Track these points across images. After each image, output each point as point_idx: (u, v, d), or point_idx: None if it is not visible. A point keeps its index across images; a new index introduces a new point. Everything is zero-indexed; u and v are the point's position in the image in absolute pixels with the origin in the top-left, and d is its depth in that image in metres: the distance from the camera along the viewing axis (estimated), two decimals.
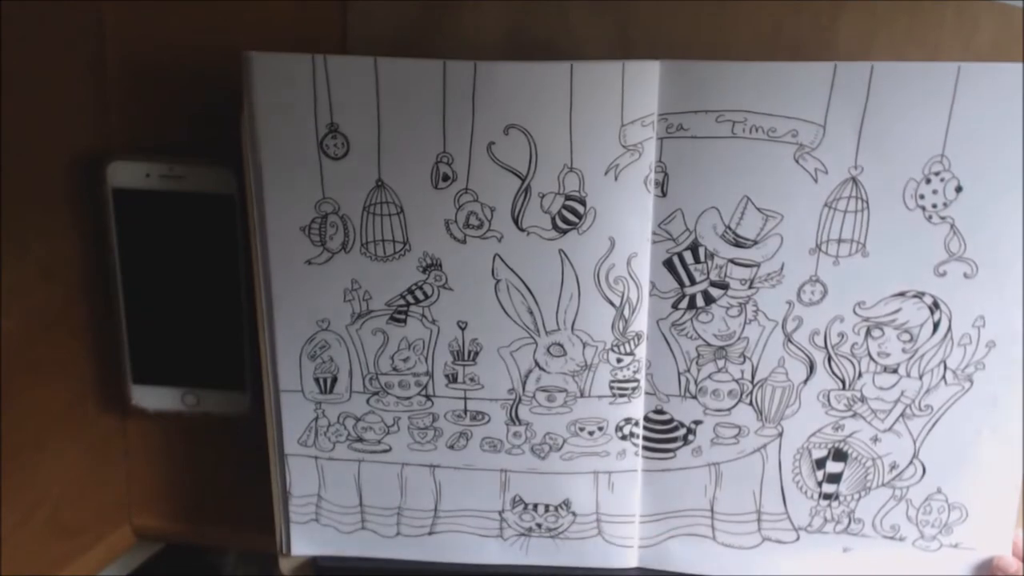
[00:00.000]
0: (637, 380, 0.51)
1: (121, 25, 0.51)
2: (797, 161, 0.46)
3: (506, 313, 0.50)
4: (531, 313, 0.50)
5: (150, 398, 0.57)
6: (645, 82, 0.46)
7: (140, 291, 0.55)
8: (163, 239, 0.54)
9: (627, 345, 0.50)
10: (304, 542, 0.55)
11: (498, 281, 0.49)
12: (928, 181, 0.47)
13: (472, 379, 0.51)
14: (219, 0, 0.50)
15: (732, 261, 0.48)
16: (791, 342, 0.50)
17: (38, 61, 0.50)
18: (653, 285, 0.49)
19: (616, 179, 0.47)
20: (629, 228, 0.48)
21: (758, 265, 0.48)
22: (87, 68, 0.51)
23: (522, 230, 0.48)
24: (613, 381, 0.51)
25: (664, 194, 0.48)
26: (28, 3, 0.49)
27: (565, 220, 0.48)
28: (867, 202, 0.47)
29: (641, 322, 0.50)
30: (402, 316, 0.50)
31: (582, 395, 0.51)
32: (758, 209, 0.47)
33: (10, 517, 0.54)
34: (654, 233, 0.48)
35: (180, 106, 0.52)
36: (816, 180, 0.47)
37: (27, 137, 0.51)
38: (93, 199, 0.53)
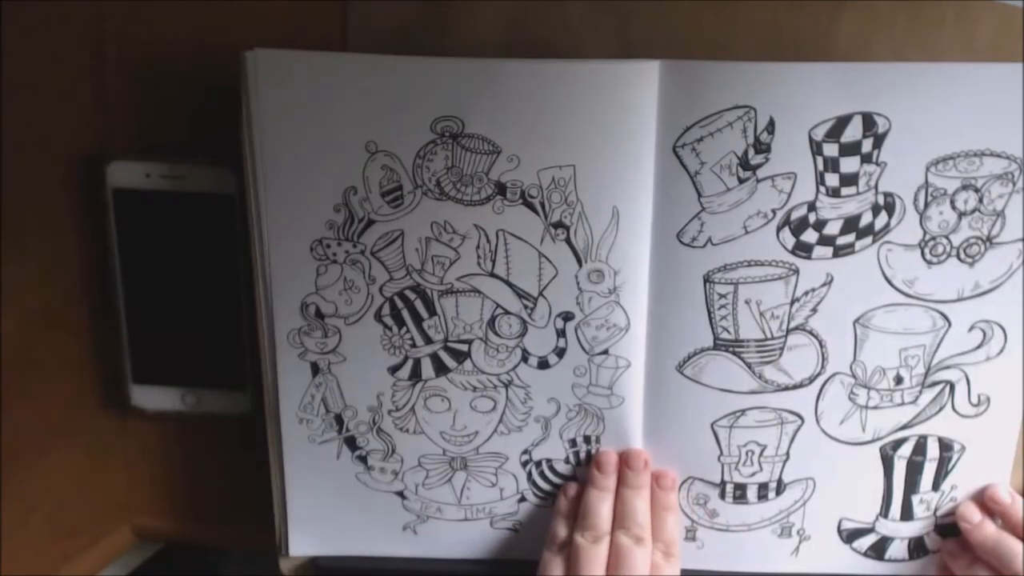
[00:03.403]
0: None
1: (121, 25, 0.51)
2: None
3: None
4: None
5: (150, 398, 0.57)
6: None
7: (140, 291, 0.55)
8: (163, 239, 0.54)
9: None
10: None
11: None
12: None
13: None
14: (219, 0, 0.50)
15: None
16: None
17: (38, 61, 0.50)
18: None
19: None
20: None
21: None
22: (87, 68, 0.51)
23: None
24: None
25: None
26: (28, 3, 0.49)
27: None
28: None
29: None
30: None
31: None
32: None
33: (10, 517, 0.54)
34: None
35: (180, 106, 0.52)
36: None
37: (27, 137, 0.51)
38: (93, 199, 0.53)
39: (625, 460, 0.52)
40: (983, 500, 0.52)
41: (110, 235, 0.54)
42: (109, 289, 0.55)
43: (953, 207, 0.47)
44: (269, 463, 0.54)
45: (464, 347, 0.51)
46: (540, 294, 0.50)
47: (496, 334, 0.51)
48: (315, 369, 0.51)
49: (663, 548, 0.50)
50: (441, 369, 0.52)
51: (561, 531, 0.52)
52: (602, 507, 0.51)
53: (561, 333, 0.50)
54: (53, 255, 0.54)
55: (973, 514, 0.52)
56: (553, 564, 0.50)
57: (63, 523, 0.57)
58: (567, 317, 0.50)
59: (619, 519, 0.50)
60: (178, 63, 0.51)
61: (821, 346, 0.50)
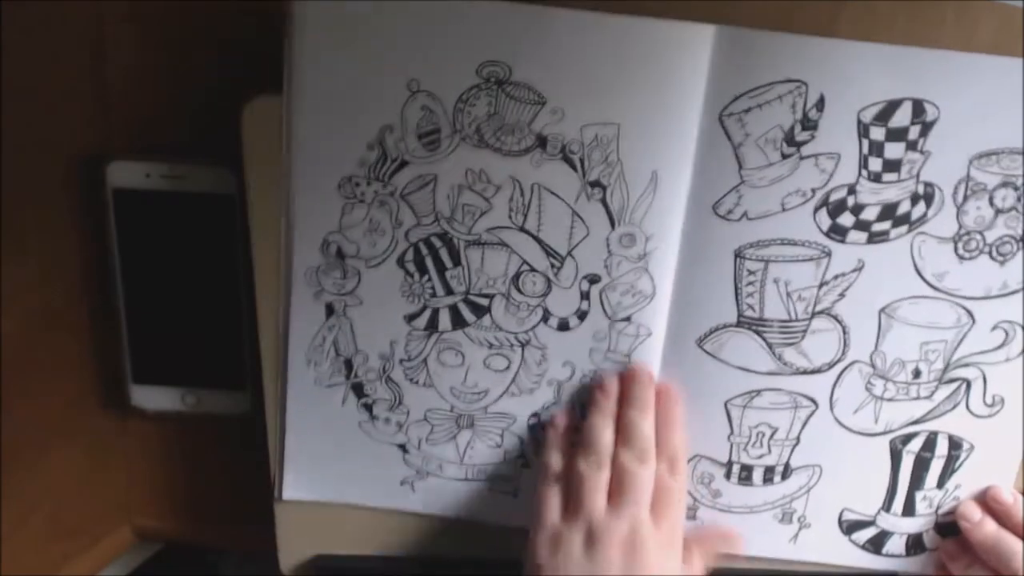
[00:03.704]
0: None
1: (121, 25, 0.50)
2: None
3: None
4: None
5: (150, 398, 0.56)
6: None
7: (140, 291, 0.53)
8: (163, 239, 0.52)
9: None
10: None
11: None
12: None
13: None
14: (219, 0, 0.50)
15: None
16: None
17: (38, 61, 0.50)
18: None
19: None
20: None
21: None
22: (87, 68, 0.50)
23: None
24: None
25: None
26: (28, 3, 0.49)
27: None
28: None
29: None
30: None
31: None
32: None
33: (10, 517, 0.53)
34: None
35: (180, 106, 0.51)
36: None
37: (27, 137, 0.50)
38: (93, 199, 0.51)
39: (630, 376, 0.50)
40: (984, 500, 0.51)
41: (110, 235, 0.52)
42: (109, 289, 0.53)
43: (991, 203, 0.46)
44: (269, 463, 0.53)
45: (485, 301, 0.49)
46: (569, 254, 0.48)
47: (519, 291, 0.49)
48: (329, 310, 0.50)
49: (668, 462, 0.48)
50: (459, 322, 0.50)
51: (556, 462, 0.49)
52: (606, 431, 0.48)
53: (585, 296, 0.49)
54: (53, 255, 0.52)
55: (973, 513, 0.51)
56: (551, 495, 0.48)
57: (63, 523, 0.56)
58: (593, 280, 0.48)
59: (622, 439, 0.48)
60: (178, 63, 0.51)
61: (844, 332, 0.48)
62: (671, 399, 0.50)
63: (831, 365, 0.50)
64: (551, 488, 0.48)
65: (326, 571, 0.55)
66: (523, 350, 0.50)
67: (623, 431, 0.48)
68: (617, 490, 0.47)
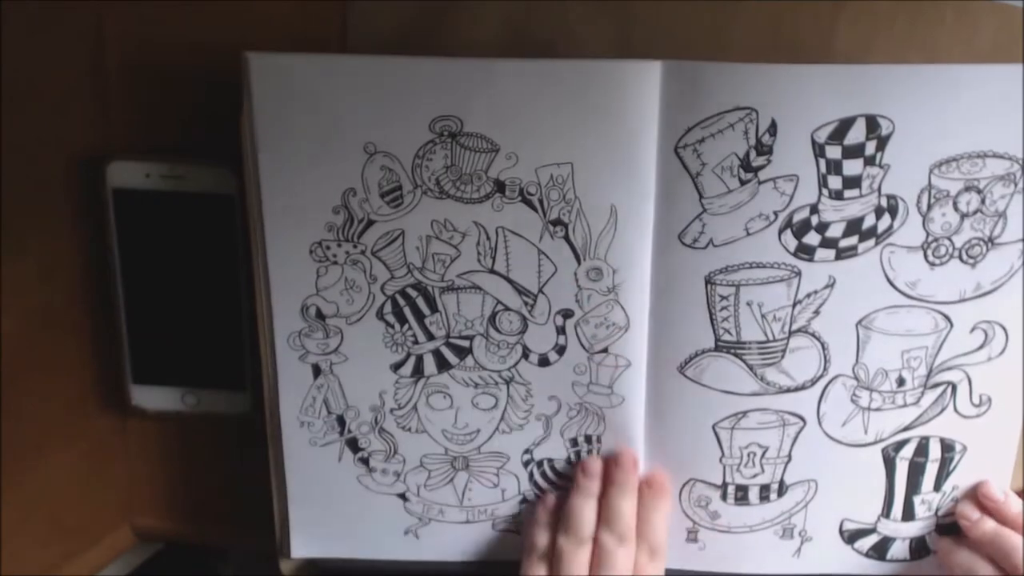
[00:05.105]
0: None
1: (121, 25, 0.51)
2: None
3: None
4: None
5: (150, 398, 0.57)
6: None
7: (140, 291, 0.55)
8: (163, 239, 0.54)
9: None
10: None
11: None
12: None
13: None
14: (219, 0, 0.50)
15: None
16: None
17: (38, 61, 0.50)
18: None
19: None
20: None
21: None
22: (87, 68, 0.51)
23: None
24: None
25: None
26: (28, 3, 0.49)
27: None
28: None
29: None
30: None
31: None
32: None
33: (10, 517, 0.54)
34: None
35: (180, 106, 0.52)
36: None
37: (27, 137, 0.51)
38: (93, 199, 0.53)
39: (614, 460, 0.52)
40: (976, 497, 0.52)
41: (110, 235, 0.53)
42: (109, 289, 0.55)
43: (956, 208, 0.47)
44: (269, 463, 0.54)
45: (466, 343, 0.51)
46: (540, 291, 0.49)
47: (497, 330, 0.50)
48: (316, 371, 0.51)
49: (648, 549, 0.51)
50: (443, 365, 0.51)
51: (541, 540, 0.52)
52: (586, 510, 0.51)
53: (561, 330, 0.50)
54: (53, 255, 0.54)
55: (972, 512, 0.52)
56: (536, 568, 0.51)
57: (63, 523, 0.57)
58: (567, 314, 0.50)
59: (603, 520, 0.51)
60: (178, 63, 0.51)
61: (823, 348, 0.50)
62: (659, 490, 0.52)
63: (814, 381, 0.51)
64: (535, 566, 0.51)
65: (326, 571, 0.55)
66: (508, 387, 0.52)
67: (605, 513, 0.51)
68: (596, 567, 0.49)
